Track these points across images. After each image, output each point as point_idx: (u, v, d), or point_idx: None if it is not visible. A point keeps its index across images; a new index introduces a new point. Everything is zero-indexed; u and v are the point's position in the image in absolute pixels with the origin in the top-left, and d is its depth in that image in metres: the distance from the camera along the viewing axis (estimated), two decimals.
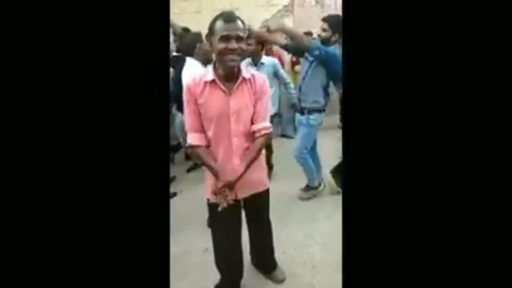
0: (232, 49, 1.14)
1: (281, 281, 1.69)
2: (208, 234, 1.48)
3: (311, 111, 2.22)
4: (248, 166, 1.29)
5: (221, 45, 1.14)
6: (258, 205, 1.50)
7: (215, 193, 1.26)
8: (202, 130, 1.29)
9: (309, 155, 2.38)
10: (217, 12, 1.18)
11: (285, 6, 4.53)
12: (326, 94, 2.23)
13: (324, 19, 2.08)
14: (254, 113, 1.29)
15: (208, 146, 1.30)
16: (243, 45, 1.17)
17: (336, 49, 2.06)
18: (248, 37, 2.57)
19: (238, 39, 1.15)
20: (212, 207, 1.37)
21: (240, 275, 1.58)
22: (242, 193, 1.37)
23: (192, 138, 1.29)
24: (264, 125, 1.31)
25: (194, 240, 2.01)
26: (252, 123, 1.31)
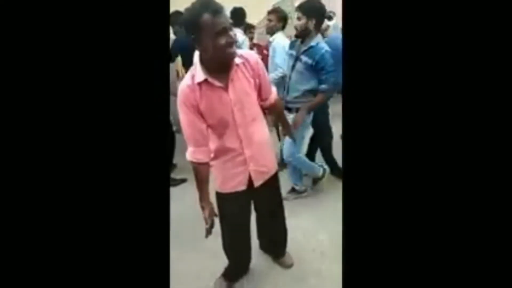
0: (232, 41, 1.06)
1: (289, 266, 1.71)
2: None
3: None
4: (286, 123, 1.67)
5: (221, 41, 1.03)
6: (272, 189, 1.45)
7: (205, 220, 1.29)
8: (204, 143, 1.21)
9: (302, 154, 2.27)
10: None
11: None
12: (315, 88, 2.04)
13: (296, 8, 1.96)
14: (261, 91, 1.28)
15: (206, 164, 1.25)
16: (233, 33, 1.08)
17: (321, 44, 1.91)
18: (270, 12, 2.47)
19: (230, 29, 1.06)
20: (220, 196, 1.38)
21: (248, 260, 1.62)
22: (259, 180, 1.34)
23: (195, 153, 1.21)
24: (273, 95, 1.37)
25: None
26: (262, 98, 1.32)
